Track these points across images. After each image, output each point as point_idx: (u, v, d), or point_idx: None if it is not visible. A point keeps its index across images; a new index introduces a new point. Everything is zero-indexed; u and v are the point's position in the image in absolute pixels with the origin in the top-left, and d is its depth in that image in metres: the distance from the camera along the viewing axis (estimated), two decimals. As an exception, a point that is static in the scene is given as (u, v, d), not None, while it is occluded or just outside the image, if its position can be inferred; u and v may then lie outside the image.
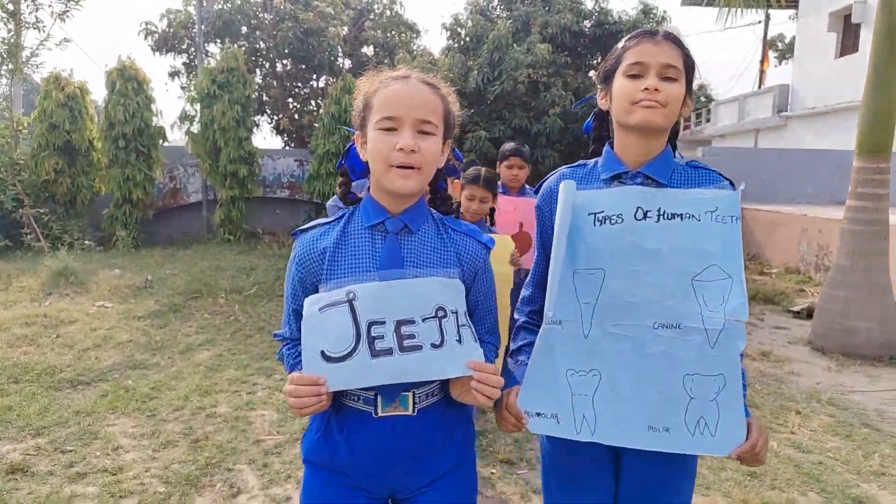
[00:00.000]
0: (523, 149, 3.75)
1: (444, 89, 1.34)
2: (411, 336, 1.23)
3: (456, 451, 1.40)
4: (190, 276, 7.80)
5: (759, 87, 21.81)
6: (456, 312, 1.27)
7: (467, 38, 9.54)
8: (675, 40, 1.33)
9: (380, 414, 1.31)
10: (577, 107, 1.45)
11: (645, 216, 1.29)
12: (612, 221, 1.30)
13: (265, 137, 27.25)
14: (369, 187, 1.37)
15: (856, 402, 4.28)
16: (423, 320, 1.24)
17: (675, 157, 1.43)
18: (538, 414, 1.35)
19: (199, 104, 10.75)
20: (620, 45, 1.39)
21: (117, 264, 8.74)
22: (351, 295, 1.23)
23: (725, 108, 21.27)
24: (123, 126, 10.22)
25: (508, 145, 3.80)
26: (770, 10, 20.69)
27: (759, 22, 23.11)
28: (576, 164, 1.50)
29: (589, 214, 1.31)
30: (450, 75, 8.66)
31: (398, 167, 1.24)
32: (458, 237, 1.38)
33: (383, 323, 1.23)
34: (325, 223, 1.37)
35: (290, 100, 15.37)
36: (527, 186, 3.77)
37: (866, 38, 11.82)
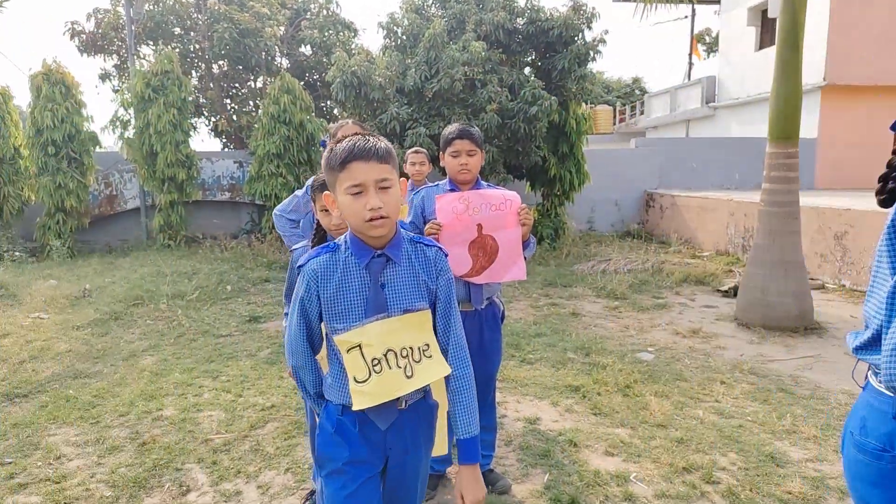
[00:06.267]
0: (473, 129, 2.78)
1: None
2: None
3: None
4: (130, 283, 7.61)
5: (689, 79, 22.68)
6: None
7: (404, 37, 9.60)
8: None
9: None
10: None
11: None
12: None
13: (203, 140, 26.51)
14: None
15: (774, 370, 4.63)
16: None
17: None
18: None
19: (132, 108, 10.45)
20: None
21: (52, 275, 8.45)
22: None
23: (657, 100, 22.04)
24: (52, 132, 9.86)
25: (452, 126, 2.80)
26: (696, 5, 21.57)
27: (686, 17, 24.06)
28: None
29: None
30: (388, 73, 8.71)
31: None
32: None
33: None
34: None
35: (228, 101, 15.10)
36: (481, 181, 2.88)
37: (782, 31, 12.46)
